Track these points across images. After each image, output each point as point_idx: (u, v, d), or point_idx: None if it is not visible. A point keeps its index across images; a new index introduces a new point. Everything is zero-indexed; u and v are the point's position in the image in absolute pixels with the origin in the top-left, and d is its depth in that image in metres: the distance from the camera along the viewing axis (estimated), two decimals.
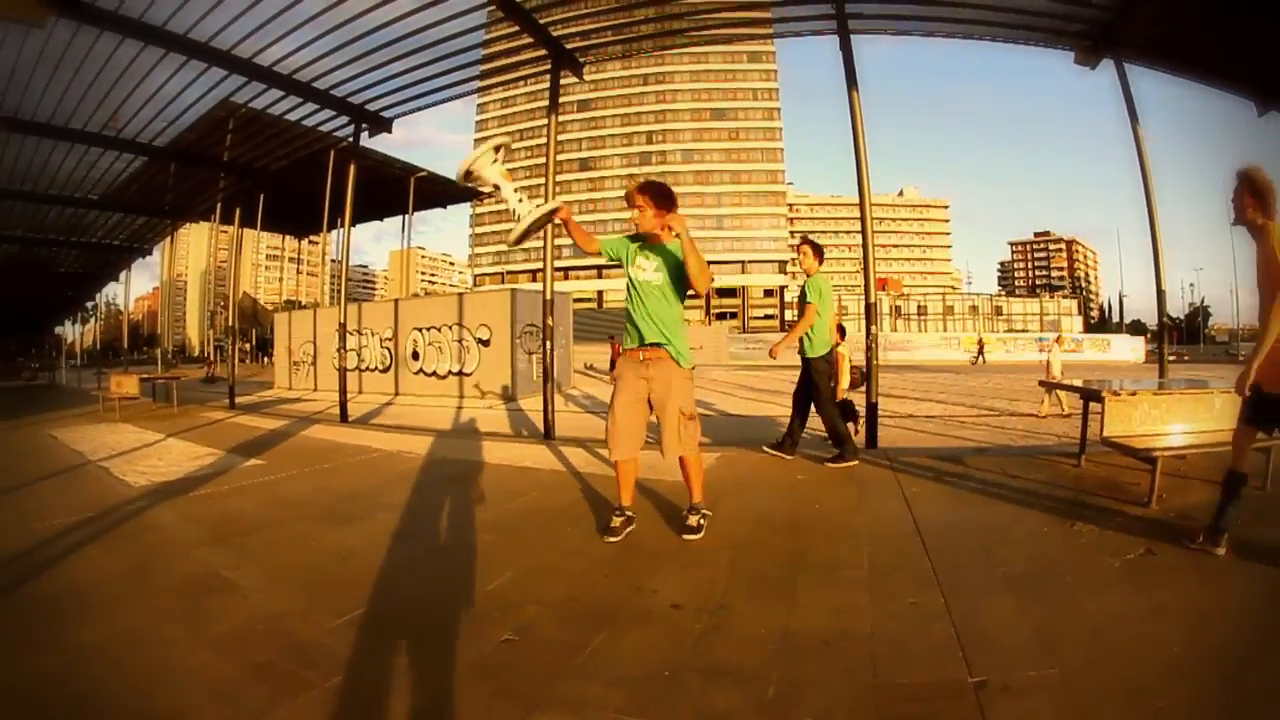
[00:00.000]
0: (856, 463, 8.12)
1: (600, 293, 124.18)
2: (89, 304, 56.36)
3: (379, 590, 4.47)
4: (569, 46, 12.46)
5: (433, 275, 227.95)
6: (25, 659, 3.62)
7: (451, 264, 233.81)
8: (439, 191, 37.33)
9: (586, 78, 14.08)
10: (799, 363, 8.61)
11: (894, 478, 7.27)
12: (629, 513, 5.44)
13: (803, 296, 8.46)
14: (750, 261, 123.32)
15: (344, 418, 14.96)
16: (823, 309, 8.31)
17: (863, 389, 10.21)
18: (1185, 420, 6.75)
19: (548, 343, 11.66)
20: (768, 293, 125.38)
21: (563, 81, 13.21)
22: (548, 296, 11.75)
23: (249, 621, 4.03)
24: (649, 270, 5.27)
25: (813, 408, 8.59)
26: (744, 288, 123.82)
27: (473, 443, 11.23)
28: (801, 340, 8.38)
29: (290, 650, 3.62)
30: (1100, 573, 4.30)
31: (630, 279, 5.33)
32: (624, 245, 5.41)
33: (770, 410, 16.55)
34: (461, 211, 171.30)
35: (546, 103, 12.79)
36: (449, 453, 10.29)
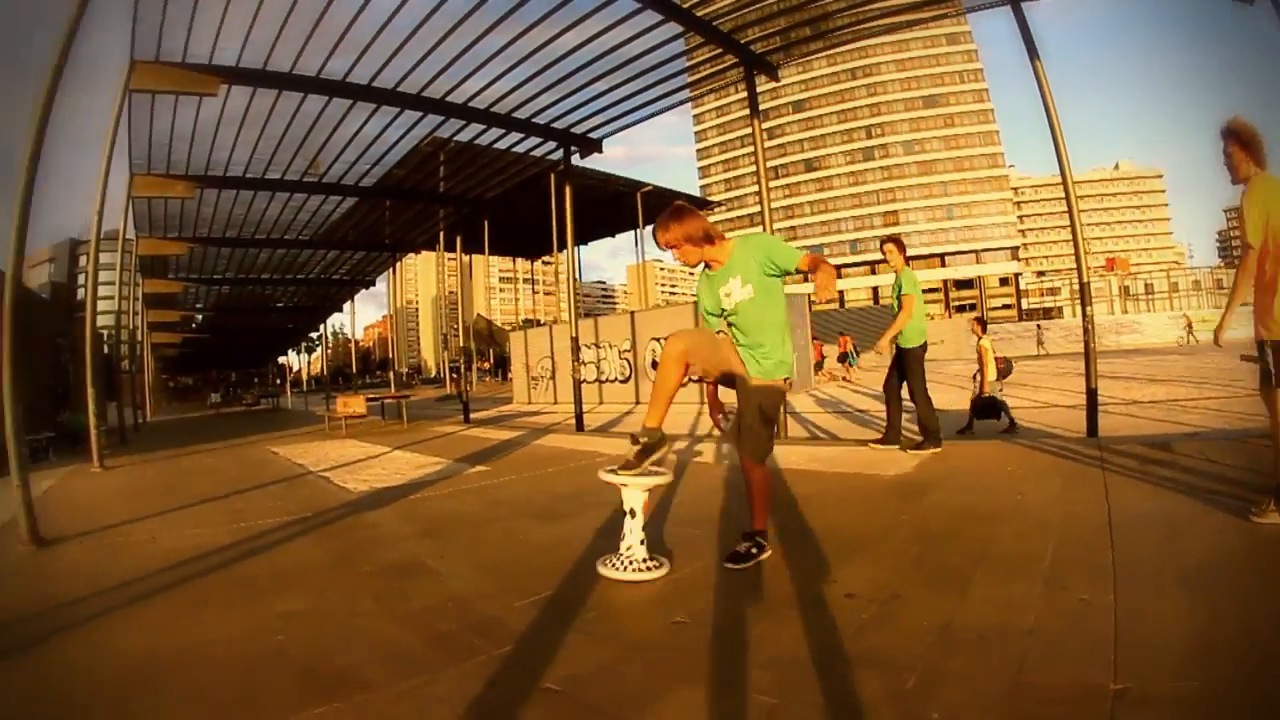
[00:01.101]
0: (939, 449, 8.85)
1: (842, 292, 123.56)
2: (313, 334, 60.78)
3: (569, 577, 4.87)
4: (757, 50, 12.74)
5: (672, 286, 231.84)
6: (215, 623, 4.36)
7: (691, 274, 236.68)
8: (667, 204, 38.43)
9: (798, 76, 14.38)
10: (1037, 355, 8.83)
11: (1100, 468, 7.20)
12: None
13: (898, 290, 9.32)
14: (983, 250, 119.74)
15: (579, 427, 15.68)
16: (915, 302, 9.03)
17: (999, 383, 11.13)
18: None
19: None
20: (1003, 281, 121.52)
21: (769, 84, 13.50)
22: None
23: (439, 601, 4.57)
24: (732, 299, 5.11)
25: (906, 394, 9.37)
26: (980, 278, 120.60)
27: (697, 445, 11.76)
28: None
29: (471, 624, 4.06)
30: None
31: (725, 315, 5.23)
32: (707, 289, 5.30)
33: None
34: None
35: (762, 106, 13.06)
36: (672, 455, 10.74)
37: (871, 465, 8.30)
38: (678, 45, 12.43)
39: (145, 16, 11.15)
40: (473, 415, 21.43)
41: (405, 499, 8.60)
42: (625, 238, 52.66)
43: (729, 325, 5.14)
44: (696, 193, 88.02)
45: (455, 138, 16.69)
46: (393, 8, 11.15)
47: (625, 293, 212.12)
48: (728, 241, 5.16)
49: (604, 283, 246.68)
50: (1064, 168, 9.79)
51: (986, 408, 10.99)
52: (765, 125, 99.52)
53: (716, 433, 8.75)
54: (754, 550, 4.95)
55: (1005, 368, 11.18)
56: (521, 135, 16.53)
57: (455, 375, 41.52)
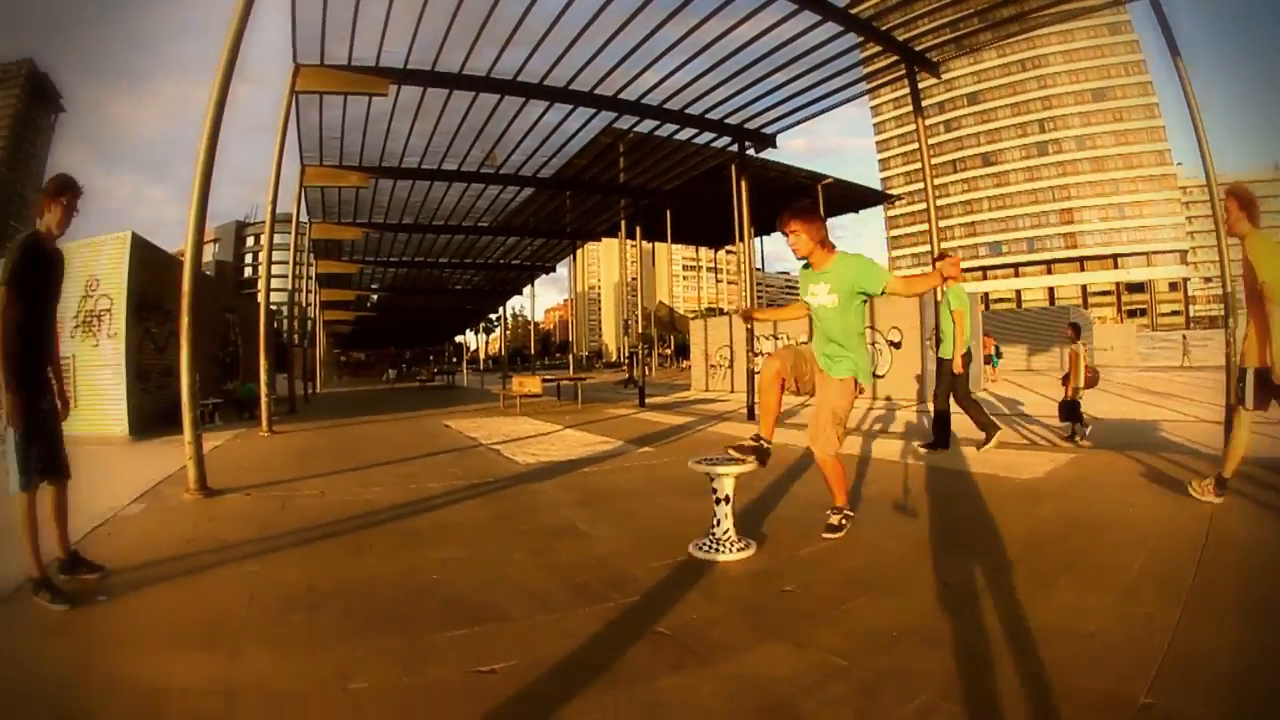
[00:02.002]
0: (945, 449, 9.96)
1: (1018, 292, 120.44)
2: (492, 315, 62.80)
3: None
4: (918, 48, 12.98)
5: None
6: (376, 564, 5.24)
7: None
8: (848, 197, 38.62)
9: (971, 68, 14.44)
10: (1181, 366, 8.96)
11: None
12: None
13: (948, 304, 10.25)
14: (1153, 253, 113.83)
15: (751, 416, 16.01)
16: (965, 315, 10.09)
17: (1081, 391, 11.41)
18: None
19: (938, 345, 11.93)
20: (1171, 286, 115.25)
21: (935, 79, 13.63)
22: (937, 298, 11.94)
23: (583, 558, 5.32)
24: (815, 300, 5.72)
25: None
26: (1150, 282, 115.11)
27: (858, 439, 11.93)
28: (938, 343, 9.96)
29: (607, 578, 4.76)
30: None
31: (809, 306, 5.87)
32: (802, 281, 5.96)
33: (1155, 414, 15.92)
34: (876, 215, 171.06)
35: (937, 98, 13.27)
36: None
37: (1010, 468, 8.55)
38: (842, 43, 12.74)
39: (305, 21, 12.19)
40: (648, 400, 22.10)
41: (568, 473, 9.40)
42: None
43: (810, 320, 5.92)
44: (877, 185, 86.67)
45: (634, 129, 17.41)
46: (561, 5, 11.82)
47: None
48: (834, 251, 5.75)
49: (788, 273, 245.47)
50: (1208, 168, 9.89)
51: (1070, 411, 11.29)
52: (942, 117, 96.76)
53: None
54: (844, 521, 5.74)
55: (1093, 377, 11.35)
56: (696, 130, 17.22)
57: (634, 360, 42.49)
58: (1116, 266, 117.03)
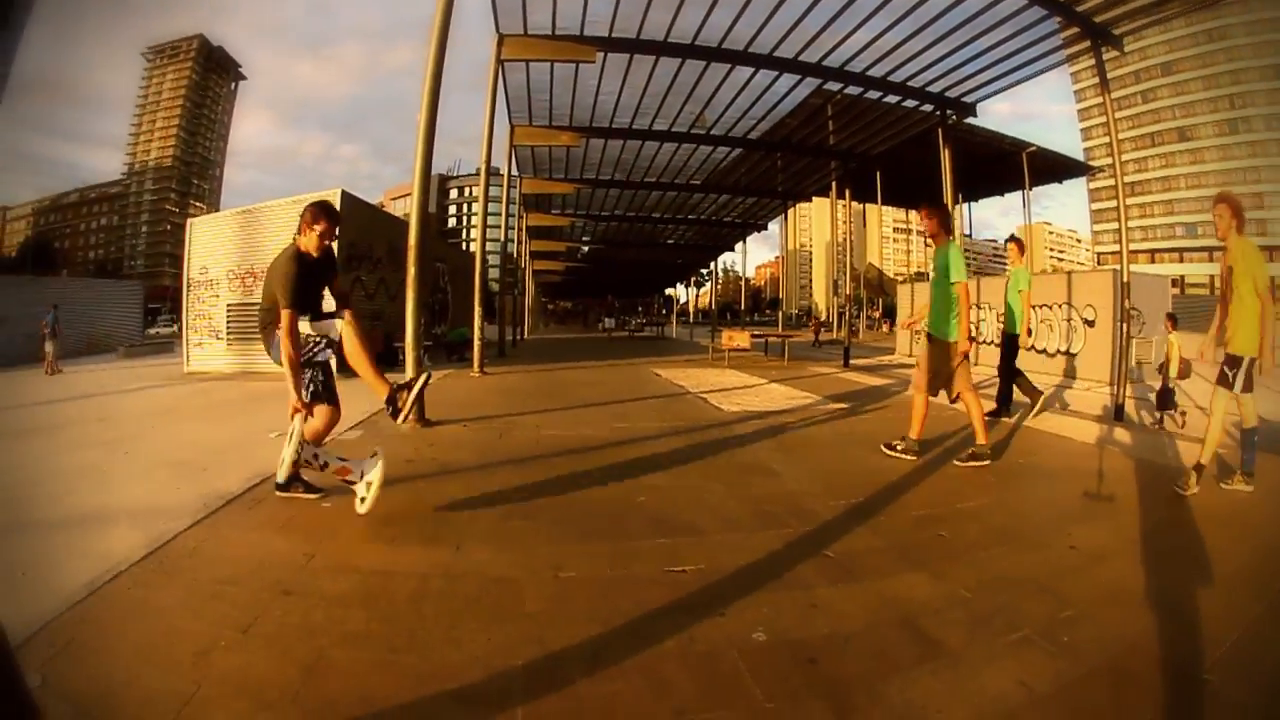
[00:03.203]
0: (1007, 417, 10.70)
1: (1212, 278, 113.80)
2: (703, 270, 63.41)
3: (879, 492, 6.10)
4: (1098, 20, 12.65)
5: (1061, 252, 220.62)
6: (589, 488, 6.02)
7: (1079, 240, 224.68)
8: (1051, 166, 37.66)
9: (1161, 37, 14.13)
10: None
11: None
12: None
13: (1016, 285, 11.31)
14: None
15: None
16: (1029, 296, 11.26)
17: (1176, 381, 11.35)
18: None
19: (1122, 325, 11.96)
20: None
21: (1137, 44, 13.45)
22: (1125, 279, 11.94)
23: (773, 493, 5.99)
24: (934, 272, 7.93)
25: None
26: None
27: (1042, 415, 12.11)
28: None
29: (791, 509, 5.44)
30: None
31: None
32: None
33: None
34: (1081, 186, 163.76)
35: (1131, 67, 13.14)
36: (1014, 419, 11.28)
37: (1161, 454, 8.58)
38: (1031, 14, 12.77)
39: None
40: (852, 361, 22.20)
41: (768, 421, 10.00)
42: (1015, 198, 51.20)
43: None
44: (1080, 155, 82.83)
45: (843, 91, 17.62)
46: None
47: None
48: (949, 238, 7.92)
49: (994, 241, 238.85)
50: None
51: (1164, 399, 11.25)
52: (1139, 87, 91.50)
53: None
54: (898, 447, 7.58)
55: (1185, 368, 11.33)
56: (899, 98, 17.46)
57: (842, 320, 42.39)
58: None
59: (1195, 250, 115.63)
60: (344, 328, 5.38)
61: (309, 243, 5.39)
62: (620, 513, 5.19)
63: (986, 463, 7.22)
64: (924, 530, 5.14)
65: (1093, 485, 6.99)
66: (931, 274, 7.93)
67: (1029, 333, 10.83)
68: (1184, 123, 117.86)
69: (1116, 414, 11.27)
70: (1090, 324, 21.23)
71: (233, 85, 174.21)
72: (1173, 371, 11.29)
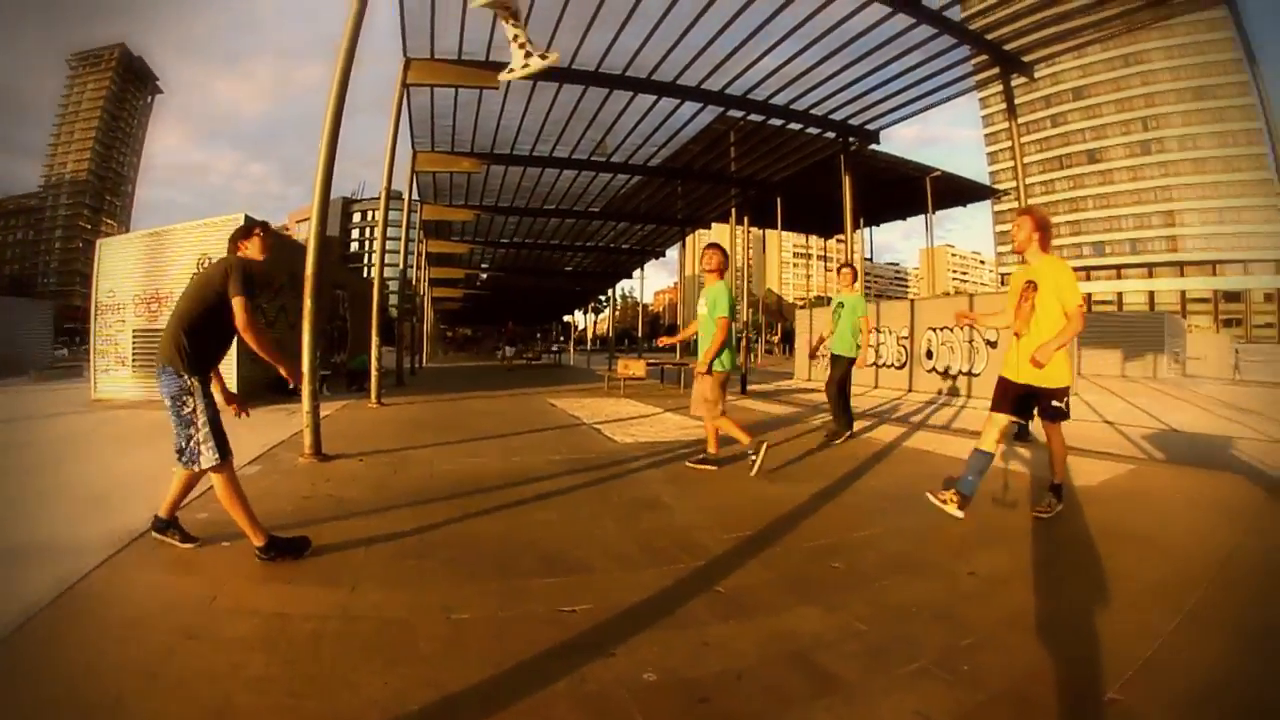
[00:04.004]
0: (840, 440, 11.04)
1: (1119, 294, 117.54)
2: (601, 297, 63.71)
3: (772, 524, 6.13)
4: (1009, 48, 13.24)
5: (964, 274, 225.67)
6: (482, 524, 6.07)
7: (982, 262, 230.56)
8: (955, 190, 38.61)
9: (1075, 62, 14.56)
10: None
11: (1260, 507, 7.30)
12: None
13: (850, 311, 11.43)
14: (1251, 261, 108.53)
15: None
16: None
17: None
18: None
19: None
20: (1266, 297, 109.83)
21: (1049, 70, 13.86)
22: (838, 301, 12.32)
23: (664, 526, 6.05)
24: (701, 307, 8.64)
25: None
26: (1247, 292, 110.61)
27: (934, 435, 12.35)
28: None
29: (681, 544, 5.48)
30: None
31: None
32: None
33: (1232, 430, 15.88)
34: (986, 209, 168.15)
35: (1042, 92, 13.54)
36: (910, 442, 11.57)
37: (1068, 474, 8.85)
38: (940, 42, 13.08)
39: (413, 12, 12.93)
40: (750, 387, 22.48)
41: (662, 453, 10.09)
42: (917, 221, 52.57)
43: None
44: (985, 180, 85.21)
45: (746, 118, 17.86)
46: (668, 3, 12.34)
47: (918, 277, 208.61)
48: (721, 278, 8.73)
49: (897, 265, 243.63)
50: None
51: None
52: (1049, 112, 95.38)
53: None
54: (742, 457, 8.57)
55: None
56: (802, 125, 17.73)
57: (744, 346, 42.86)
58: (1215, 273, 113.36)
59: (1102, 269, 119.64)
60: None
61: (255, 248, 5.36)
62: (512, 550, 5.22)
63: (714, 468, 8.44)
64: (817, 562, 5.20)
65: (995, 508, 7.14)
66: (703, 308, 8.61)
67: (867, 358, 10.96)
68: (1094, 145, 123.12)
69: (1019, 434, 11.57)
70: (992, 345, 21.80)
71: (149, 98, 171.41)
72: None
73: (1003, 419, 6.45)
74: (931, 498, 6.38)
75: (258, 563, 4.86)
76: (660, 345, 11.04)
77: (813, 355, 15.67)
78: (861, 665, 3.59)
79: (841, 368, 11.33)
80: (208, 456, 4.88)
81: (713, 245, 8.94)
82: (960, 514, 6.19)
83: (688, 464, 8.64)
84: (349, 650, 3.56)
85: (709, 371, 8.46)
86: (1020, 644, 3.90)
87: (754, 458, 8.20)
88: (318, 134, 9.68)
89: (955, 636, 3.93)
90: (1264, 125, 9.73)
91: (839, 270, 11.81)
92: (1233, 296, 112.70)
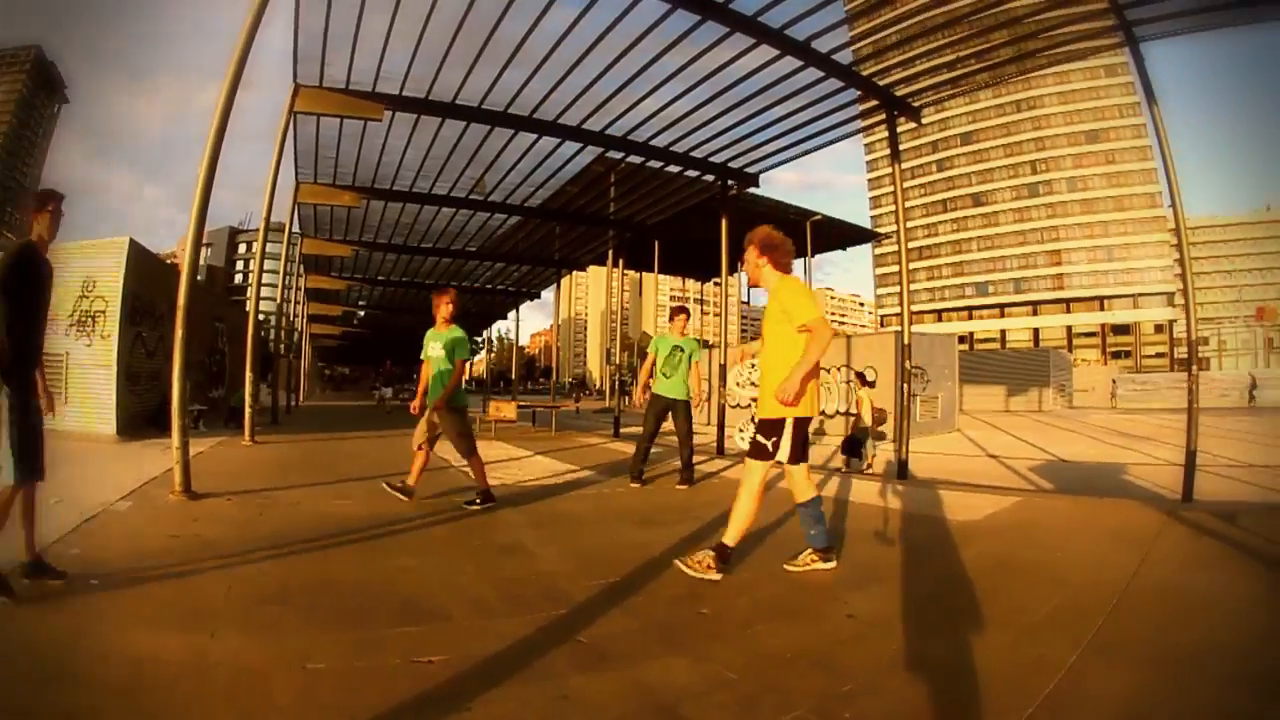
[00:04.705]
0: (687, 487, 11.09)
1: (1003, 332, 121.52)
2: (477, 338, 63.29)
3: (636, 570, 5.99)
4: (898, 94, 13.38)
5: (842, 316, 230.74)
6: (342, 568, 5.89)
7: (861, 304, 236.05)
8: (836, 234, 39.35)
9: (966, 108, 14.85)
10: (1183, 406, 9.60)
11: (1158, 533, 7.48)
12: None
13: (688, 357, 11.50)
14: (1140, 295, 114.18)
15: (720, 451, 16.43)
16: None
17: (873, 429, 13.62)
18: None
19: (904, 385, 12.54)
20: (1157, 328, 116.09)
21: (939, 115, 14.21)
22: (905, 340, 12.65)
23: (525, 573, 5.88)
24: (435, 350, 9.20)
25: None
26: (1136, 324, 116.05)
27: (814, 475, 12.47)
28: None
29: (543, 592, 5.33)
30: (1262, 664, 4.10)
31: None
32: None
33: (1121, 457, 16.45)
34: (865, 253, 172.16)
35: (930, 137, 13.78)
36: (784, 482, 11.65)
37: (949, 509, 9.05)
38: (826, 86, 13.14)
39: (307, 39, 12.63)
40: (623, 430, 22.38)
41: (529, 497, 10.04)
42: (796, 265, 53.36)
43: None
44: (866, 223, 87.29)
45: (625, 160, 17.87)
46: (553, 41, 12.30)
47: None
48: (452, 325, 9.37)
49: None
50: (1178, 215, 10.20)
51: (852, 445, 13.66)
52: (935, 156, 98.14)
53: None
54: (398, 485, 9.16)
55: (880, 417, 13.69)
56: (681, 168, 17.79)
57: (621, 389, 42.90)
58: (1103, 308, 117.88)
59: (986, 308, 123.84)
60: None
61: (45, 225, 5.00)
62: (371, 597, 5.08)
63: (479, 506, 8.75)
64: (684, 608, 5.05)
65: (872, 547, 7.15)
66: (439, 351, 9.16)
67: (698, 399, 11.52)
68: (981, 189, 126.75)
69: (900, 472, 11.76)
70: (871, 385, 22.19)
71: (57, 108, 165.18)
72: (866, 421, 13.51)
73: (793, 467, 5.94)
74: (683, 566, 5.72)
75: (122, 604, 4.68)
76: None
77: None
78: (732, 717, 3.43)
79: (683, 412, 11.41)
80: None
81: (444, 289, 9.67)
82: (718, 576, 5.62)
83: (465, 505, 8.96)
84: (207, 699, 3.41)
85: (449, 409, 9.19)
86: (907, 687, 3.78)
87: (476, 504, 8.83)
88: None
89: (834, 683, 3.79)
90: (1160, 165, 9.97)
91: (672, 315, 11.87)
92: (1121, 329, 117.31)
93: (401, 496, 8.89)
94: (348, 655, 3.95)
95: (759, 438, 5.71)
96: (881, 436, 14.03)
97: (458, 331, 9.24)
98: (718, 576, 5.62)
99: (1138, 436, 23.03)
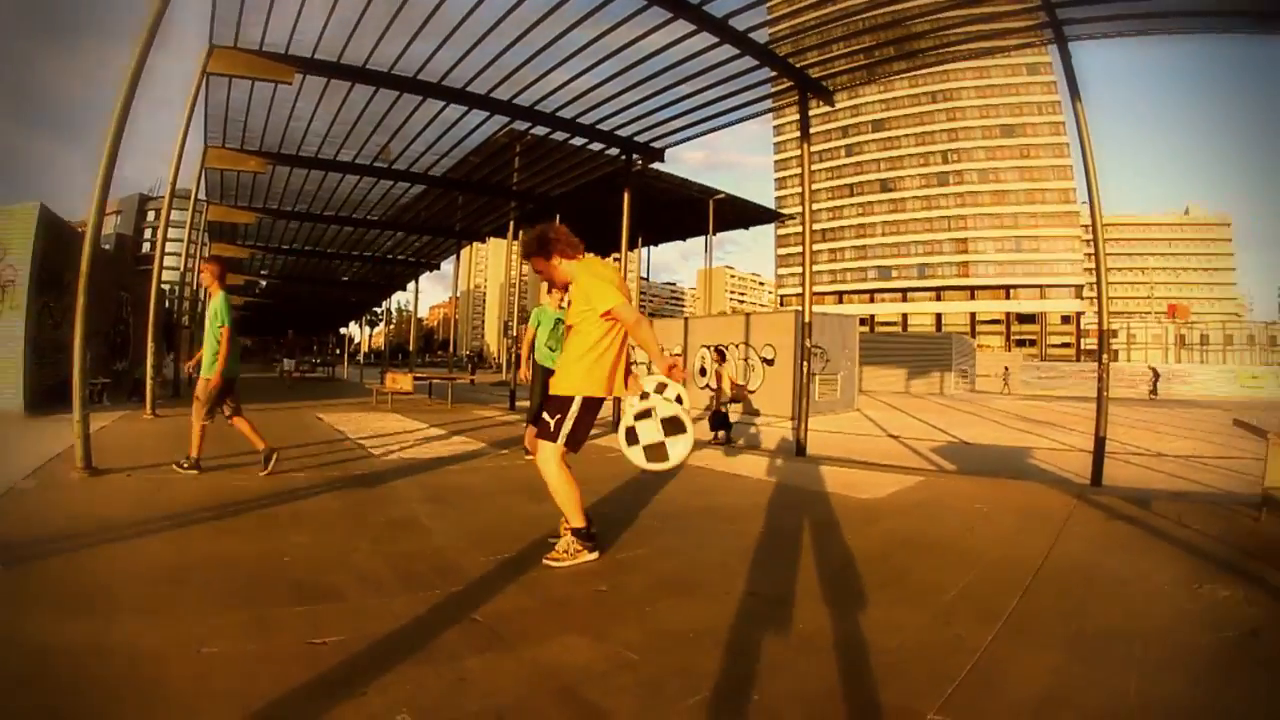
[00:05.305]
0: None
1: (905, 316, 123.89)
2: (377, 309, 62.39)
3: (532, 545, 5.90)
4: (813, 75, 13.36)
5: (742, 294, 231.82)
6: (238, 545, 5.67)
7: (761, 283, 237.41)
8: (739, 213, 39.47)
9: (879, 96, 14.88)
10: (1092, 395, 9.84)
11: (1069, 516, 7.47)
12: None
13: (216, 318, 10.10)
14: (1048, 286, 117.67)
15: (616, 425, 16.24)
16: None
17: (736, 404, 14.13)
18: None
19: (804, 364, 12.57)
20: (1064, 319, 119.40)
21: (852, 101, 14.16)
22: (806, 319, 12.72)
23: (420, 549, 5.77)
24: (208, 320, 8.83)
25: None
26: (1043, 314, 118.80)
27: (710, 451, 12.61)
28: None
29: (437, 568, 5.23)
30: (1179, 647, 4.11)
31: None
32: None
33: (1025, 441, 16.85)
34: (768, 232, 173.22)
35: (841, 123, 13.74)
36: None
37: (853, 487, 9.05)
38: (740, 64, 13.00)
39: (226, 1, 12.18)
40: (518, 403, 22.16)
41: (424, 470, 9.89)
42: (698, 242, 53.54)
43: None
44: (771, 204, 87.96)
45: (531, 131, 17.55)
46: (467, 8, 11.97)
47: (695, 297, 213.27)
48: (221, 288, 8.93)
49: (674, 284, 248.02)
50: (1094, 210, 10.23)
51: (718, 420, 14.36)
52: (845, 141, 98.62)
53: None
54: (184, 465, 8.83)
55: (737, 393, 14.45)
56: (587, 140, 17.53)
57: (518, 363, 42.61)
58: (1009, 297, 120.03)
59: (888, 292, 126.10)
60: None
61: None
62: (265, 575, 4.91)
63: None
64: (580, 585, 4.97)
65: (773, 525, 7.07)
66: (208, 322, 8.84)
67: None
68: (890, 175, 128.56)
69: (798, 450, 11.86)
70: (769, 362, 22.36)
71: None
72: (726, 397, 14.15)
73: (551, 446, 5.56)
74: (554, 564, 5.42)
75: (24, 591, 4.49)
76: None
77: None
78: (637, 700, 3.30)
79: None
80: None
81: (213, 258, 9.40)
82: (594, 555, 5.54)
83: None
84: (106, 686, 3.26)
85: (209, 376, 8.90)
86: (818, 667, 3.68)
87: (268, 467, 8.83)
88: (133, 125, 9.07)
89: (741, 663, 3.69)
90: (1081, 162, 10.01)
91: (550, 287, 11.26)
92: (1027, 319, 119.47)
93: (191, 470, 8.74)
94: (242, 639, 3.80)
95: (546, 415, 5.56)
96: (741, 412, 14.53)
97: (218, 297, 8.88)
98: (593, 555, 5.52)
99: (1040, 422, 23.50)
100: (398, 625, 4.09)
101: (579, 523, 5.53)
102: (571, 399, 5.47)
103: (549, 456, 5.48)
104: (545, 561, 5.39)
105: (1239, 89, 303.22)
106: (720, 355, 16.12)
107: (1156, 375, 50.05)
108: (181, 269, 26.70)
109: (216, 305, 8.79)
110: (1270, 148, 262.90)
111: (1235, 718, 3.35)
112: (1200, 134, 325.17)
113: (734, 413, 15.46)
